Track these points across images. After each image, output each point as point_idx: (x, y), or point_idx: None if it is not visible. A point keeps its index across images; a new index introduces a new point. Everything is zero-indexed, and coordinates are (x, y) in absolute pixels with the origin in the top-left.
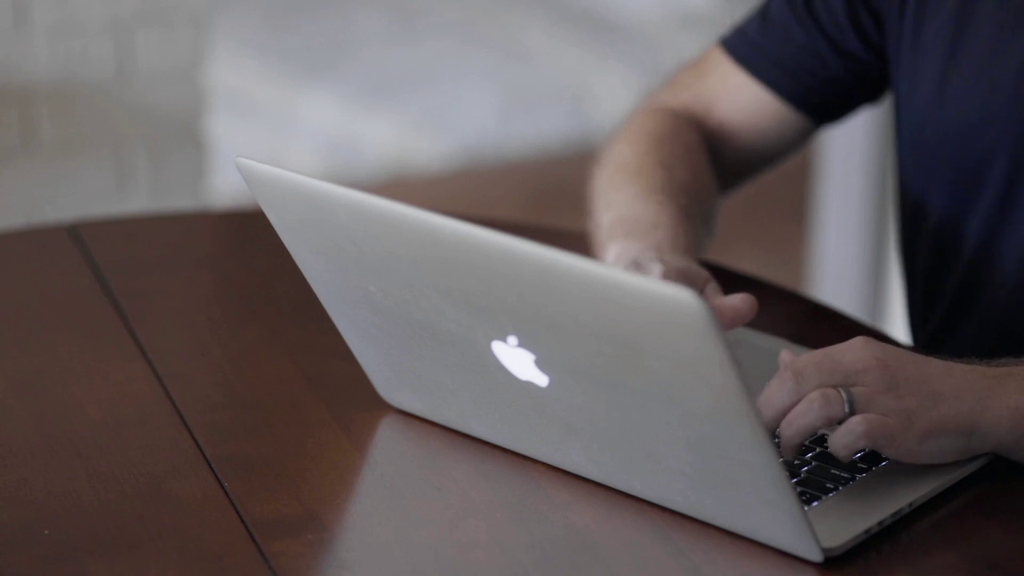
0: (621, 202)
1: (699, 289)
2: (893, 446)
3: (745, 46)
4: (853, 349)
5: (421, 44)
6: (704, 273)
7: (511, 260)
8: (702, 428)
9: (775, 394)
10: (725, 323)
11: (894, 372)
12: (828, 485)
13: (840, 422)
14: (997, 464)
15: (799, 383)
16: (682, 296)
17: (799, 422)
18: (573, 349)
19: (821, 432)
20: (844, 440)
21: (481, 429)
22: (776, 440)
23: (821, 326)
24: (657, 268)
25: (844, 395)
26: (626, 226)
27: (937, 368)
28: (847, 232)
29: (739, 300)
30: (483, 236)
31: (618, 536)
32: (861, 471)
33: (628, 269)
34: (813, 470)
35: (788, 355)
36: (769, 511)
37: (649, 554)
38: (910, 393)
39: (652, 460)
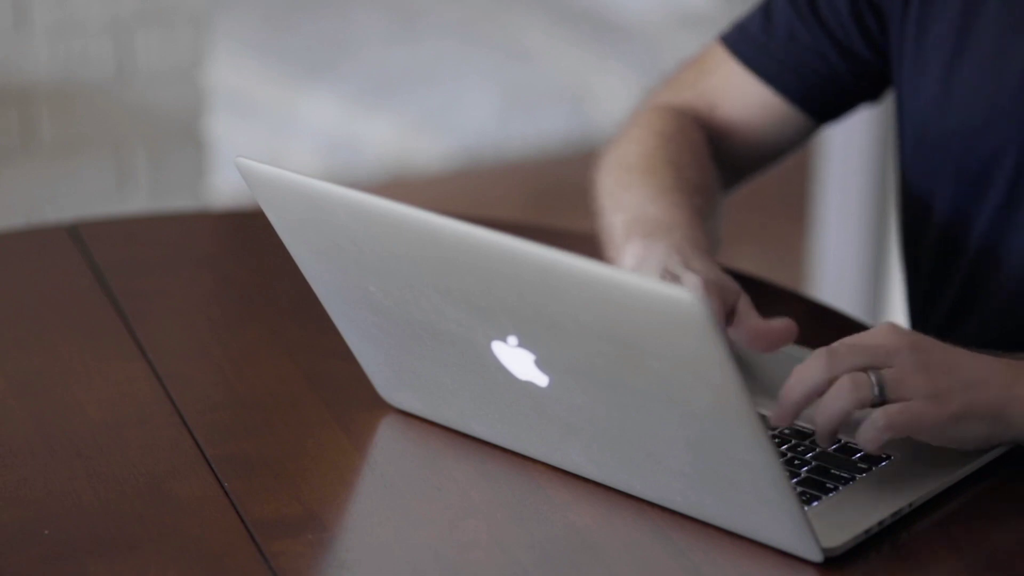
0: (634, 202)
1: (731, 303)
2: (922, 429)
3: (748, 44)
4: (883, 333)
5: (421, 44)
6: (736, 286)
7: (511, 260)
8: (702, 428)
9: (807, 371)
10: (764, 346)
11: (926, 354)
12: (828, 485)
13: (874, 405)
14: (997, 464)
15: (832, 361)
16: (682, 296)
17: (831, 408)
18: (573, 349)
19: (809, 428)
20: (868, 435)
21: (481, 429)
22: (775, 442)
23: (821, 326)
24: (692, 279)
25: (873, 378)
26: (643, 226)
27: (964, 356)
28: (847, 231)
29: (782, 325)
30: (483, 236)
31: (618, 536)
32: (861, 471)
33: (661, 276)
34: (813, 470)
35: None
36: (769, 511)
37: (649, 554)
38: (940, 375)
39: (652, 460)
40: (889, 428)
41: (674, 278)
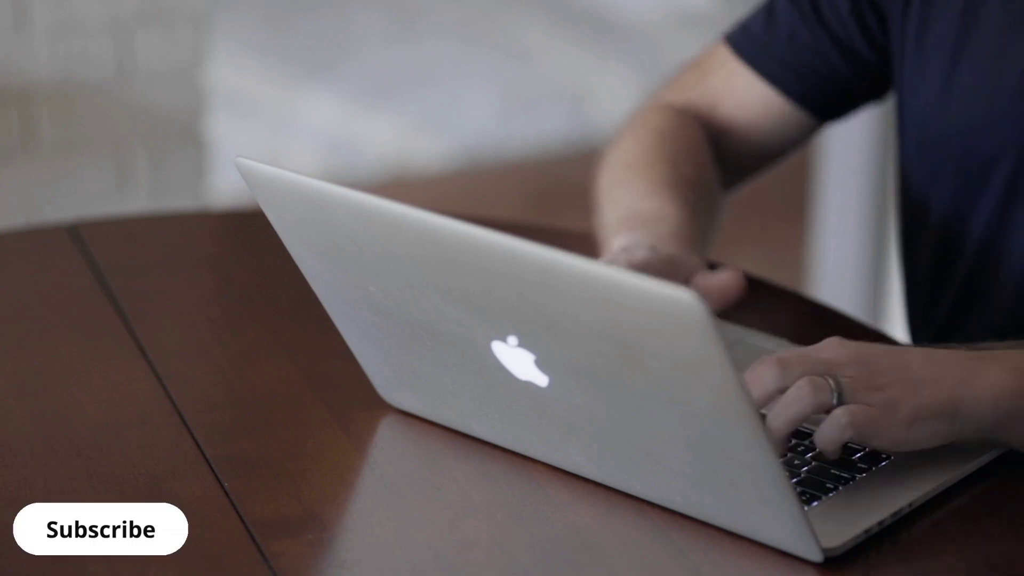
0: (626, 199)
1: (688, 276)
2: (880, 436)
3: (750, 44)
4: (829, 347)
5: (421, 44)
6: (695, 261)
7: (511, 260)
8: (702, 428)
9: (759, 379)
10: (713, 302)
11: (871, 364)
12: (828, 485)
13: (828, 411)
14: (997, 464)
15: (784, 370)
16: (682, 296)
17: (789, 411)
18: (573, 349)
19: (810, 428)
20: (830, 434)
21: (481, 429)
22: None
23: (821, 326)
24: (642, 254)
25: (832, 383)
26: (631, 221)
27: (915, 356)
28: (847, 232)
29: (726, 277)
30: (483, 236)
31: (618, 536)
32: (861, 471)
33: (615, 255)
34: (813, 470)
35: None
36: (769, 511)
37: (649, 554)
38: (890, 383)
39: (652, 460)
40: (852, 426)
41: (626, 253)
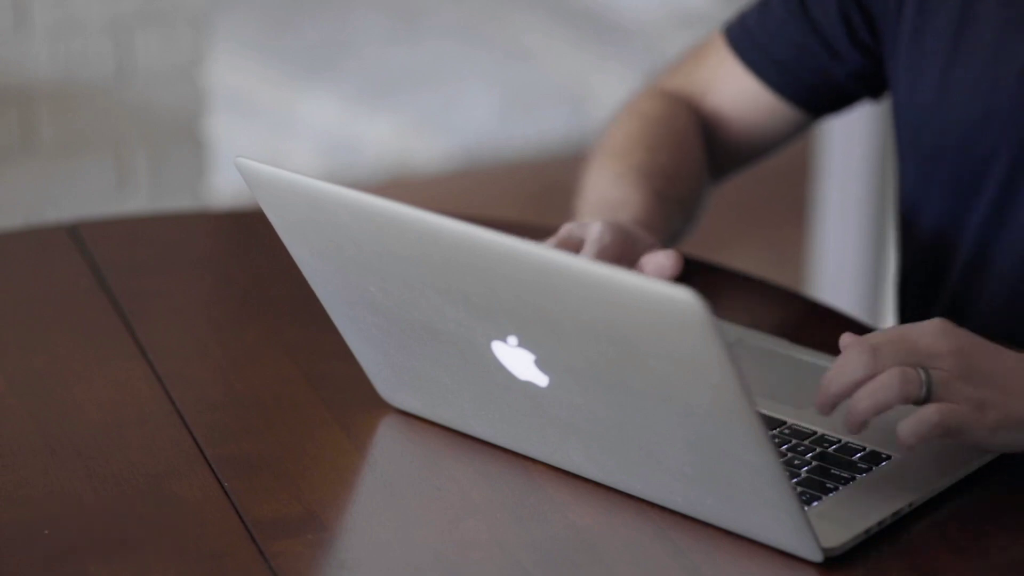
0: (597, 185)
1: (640, 252)
2: (964, 435)
3: (744, 37)
4: (932, 332)
5: (421, 44)
6: (649, 239)
7: (511, 260)
8: (702, 428)
9: (848, 366)
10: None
11: (970, 361)
12: (828, 485)
13: (916, 403)
14: (997, 464)
15: (875, 358)
16: (682, 296)
17: (876, 397)
18: (573, 349)
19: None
20: (916, 428)
21: (481, 429)
22: (775, 442)
23: (821, 326)
24: (596, 227)
25: (923, 376)
26: (598, 207)
27: (1011, 361)
28: (847, 232)
29: (663, 256)
30: (483, 236)
31: (618, 536)
32: (861, 471)
33: (569, 230)
34: (813, 470)
35: (851, 336)
36: (769, 511)
37: (649, 554)
38: (984, 384)
39: (652, 460)
40: (940, 426)
41: (580, 229)
